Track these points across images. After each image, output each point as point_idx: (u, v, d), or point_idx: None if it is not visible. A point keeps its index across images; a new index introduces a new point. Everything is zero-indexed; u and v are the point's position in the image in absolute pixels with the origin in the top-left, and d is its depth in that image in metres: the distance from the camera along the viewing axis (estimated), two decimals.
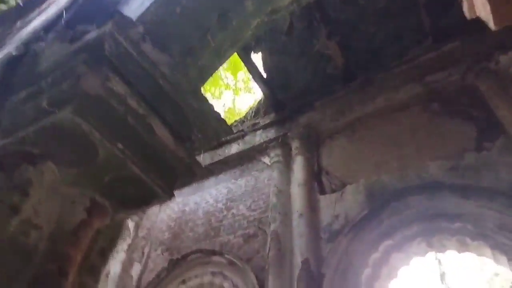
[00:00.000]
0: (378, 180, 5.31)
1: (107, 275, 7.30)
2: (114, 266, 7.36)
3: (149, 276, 6.80)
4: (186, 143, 2.04)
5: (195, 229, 7.06)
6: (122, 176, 1.75)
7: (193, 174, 2.05)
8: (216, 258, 6.13)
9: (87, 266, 2.44)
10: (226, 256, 5.99)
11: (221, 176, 7.80)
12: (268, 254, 5.38)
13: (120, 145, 1.63)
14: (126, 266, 7.24)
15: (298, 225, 5.38)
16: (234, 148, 7.76)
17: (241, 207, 6.73)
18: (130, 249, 7.55)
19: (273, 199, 6.11)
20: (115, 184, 1.77)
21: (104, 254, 2.54)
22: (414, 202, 4.76)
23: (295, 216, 5.55)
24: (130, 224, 8.12)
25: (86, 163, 1.64)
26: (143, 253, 7.40)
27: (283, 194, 6.08)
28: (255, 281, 5.26)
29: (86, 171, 1.70)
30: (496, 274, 15.57)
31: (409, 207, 4.77)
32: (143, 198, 1.93)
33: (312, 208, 5.55)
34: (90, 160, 1.63)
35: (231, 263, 5.86)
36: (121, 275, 7.13)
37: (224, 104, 11.03)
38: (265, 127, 7.41)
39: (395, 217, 4.77)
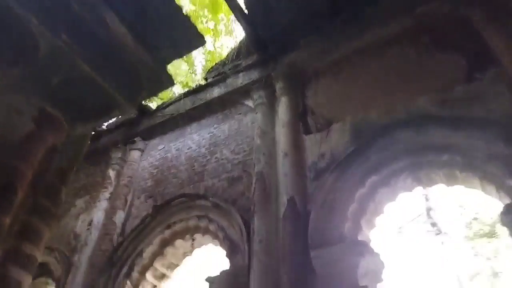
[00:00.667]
0: (365, 117, 5.14)
1: (89, 223, 7.18)
2: (97, 214, 7.23)
3: (133, 223, 6.70)
4: (152, 50, 1.76)
5: (178, 175, 6.89)
6: (72, 78, 1.48)
7: (160, 83, 1.78)
8: (200, 202, 6.03)
9: (42, 186, 2.27)
10: (210, 199, 5.88)
11: (203, 121, 7.53)
12: (253, 195, 5.28)
13: (64, 37, 1.34)
14: (109, 214, 7.11)
15: (283, 165, 5.24)
16: (216, 92, 7.43)
17: (224, 151, 6.54)
18: (112, 197, 7.39)
19: (257, 141, 5.93)
20: (66, 90, 1.50)
21: (63, 175, 2.36)
22: (401, 136, 4.64)
23: (280, 156, 5.40)
24: (111, 172, 7.90)
25: (27, 60, 1.36)
26: (126, 200, 7.25)
27: (268, 135, 5.89)
28: (240, 221, 5.19)
29: (29, 72, 1.42)
30: (475, 219, 16.23)
31: (397, 142, 4.65)
32: (102, 107, 1.68)
33: (297, 147, 5.40)
34: (31, 56, 1.34)
35: (216, 206, 5.76)
36: (104, 222, 7.02)
37: (205, 48, 10.51)
38: (247, 68, 7.06)
39: (382, 152, 4.66)
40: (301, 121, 5.76)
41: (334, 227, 4.32)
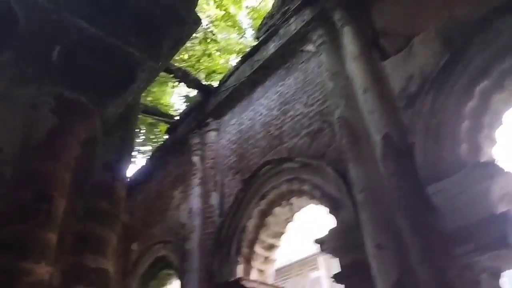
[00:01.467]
0: (452, 17, 4.22)
1: (189, 211, 7.36)
2: (194, 201, 7.37)
3: (228, 201, 6.67)
4: None
5: (257, 144, 6.63)
6: (78, 43, 1.15)
7: (182, 23, 1.37)
8: (287, 165, 5.70)
9: (90, 186, 2.10)
10: (296, 160, 5.51)
11: (267, 83, 7.09)
12: (340, 143, 4.77)
13: None
14: (204, 198, 7.19)
15: (366, 102, 4.60)
16: (271, 48, 6.91)
17: (297, 106, 6.06)
18: (203, 182, 7.45)
19: (330, 85, 5.33)
20: (74, 65, 1.18)
21: (112, 167, 2.15)
22: (504, 25, 3.69)
23: (359, 94, 4.75)
24: (195, 158, 7.95)
25: (12, 31, 1.05)
26: (215, 182, 7.25)
27: (339, 75, 5.25)
28: (334, 174, 4.75)
29: (23, 49, 1.12)
30: None
31: (500, 34, 3.71)
32: (124, 74, 1.33)
33: (377, 78, 4.69)
34: (14, 31, 1.03)
35: (304, 165, 5.38)
36: (202, 207, 7.12)
37: (249, 8, 9.95)
38: (297, 10, 6.37)
39: (484, 52, 3.77)
40: (373, 48, 4.99)
41: (448, 154, 3.65)
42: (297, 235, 10.60)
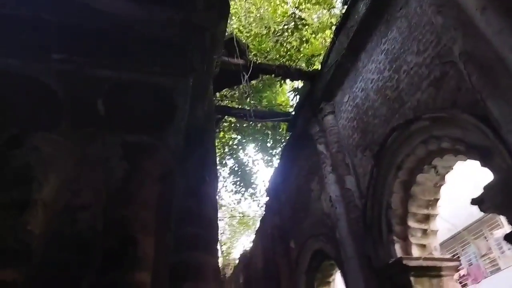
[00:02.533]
0: None
1: (330, 200, 7.18)
2: (331, 189, 7.18)
3: (364, 181, 6.27)
4: None
5: (377, 113, 6.08)
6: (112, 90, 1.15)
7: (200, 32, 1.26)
8: (415, 126, 5.03)
9: (177, 215, 2.08)
10: (424, 117, 4.82)
11: (368, 45, 6.48)
12: (471, 82, 3.96)
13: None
14: (340, 184, 6.93)
15: (488, 23, 3.71)
16: (361, 6, 6.31)
17: (409, 58, 5.33)
18: (334, 168, 7.21)
19: (439, 20, 4.52)
20: (119, 109, 1.20)
21: (196, 192, 2.11)
22: None
23: (477, 16, 3.88)
24: (320, 147, 7.78)
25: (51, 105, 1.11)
26: (346, 164, 6.92)
27: (446, 5, 4.40)
28: (474, 120, 3.96)
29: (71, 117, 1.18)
30: None
31: None
32: (162, 105, 1.29)
33: None
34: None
35: (435, 120, 4.67)
36: (341, 193, 6.87)
37: None
38: None
39: None
40: None
41: None
42: (461, 196, 9.33)
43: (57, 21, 1.44)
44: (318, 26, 9.51)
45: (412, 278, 4.93)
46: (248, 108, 9.51)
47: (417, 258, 5.11)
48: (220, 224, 22.20)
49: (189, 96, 1.71)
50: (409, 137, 5.20)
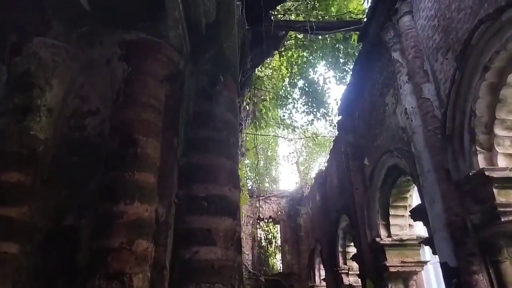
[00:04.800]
0: None
1: (405, 112, 6.61)
2: (407, 100, 6.58)
3: (445, 89, 5.57)
4: None
5: (462, 5, 5.14)
6: None
7: None
8: (508, 14, 4.15)
9: (190, 116, 1.91)
10: None
11: None
12: None
13: None
14: (417, 93, 6.27)
15: None
16: None
17: None
18: (411, 76, 6.49)
19: None
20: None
21: (208, 93, 1.89)
22: None
23: None
24: (395, 54, 7.06)
25: None
26: (425, 72, 6.18)
27: None
28: None
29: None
30: None
31: None
32: None
33: None
34: None
35: None
36: (418, 104, 6.25)
37: None
38: None
39: None
40: None
41: None
42: None
43: None
44: None
45: (495, 190, 4.45)
46: (314, 21, 8.80)
47: (503, 169, 4.55)
48: (297, 146, 22.51)
49: None
50: (500, 29, 4.34)
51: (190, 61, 1.94)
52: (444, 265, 5.23)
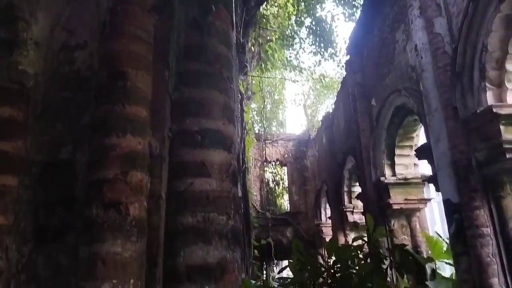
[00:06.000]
0: None
1: (415, 49, 6.35)
2: (417, 36, 6.29)
3: (457, 22, 5.28)
4: None
5: None
6: None
7: None
8: None
9: (181, 48, 1.82)
10: None
11: None
12: None
13: None
14: (429, 28, 5.96)
15: None
16: None
17: None
18: (423, 10, 6.14)
19: None
20: None
21: (199, 23, 1.77)
22: None
23: None
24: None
25: None
26: (437, 4, 5.83)
27: None
28: None
29: None
30: None
31: None
32: None
33: None
34: None
35: None
36: (428, 40, 5.97)
37: None
38: None
39: None
40: None
41: None
42: None
43: None
44: None
45: (502, 127, 4.38)
46: None
47: (511, 105, 4.44)
48: (304, 88, 22.18)
49: None
50: None
51: None
52: (446, 202, 5.32)
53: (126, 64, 1.53)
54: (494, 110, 4.45)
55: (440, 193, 5.64)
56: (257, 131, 18.27)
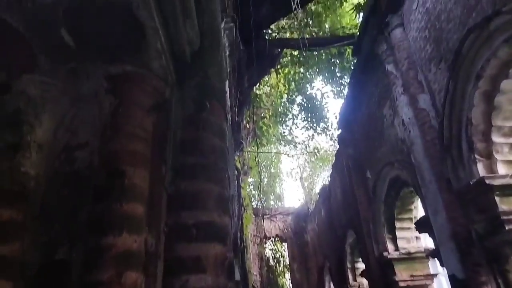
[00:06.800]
0: None
1: (403, 123, 6.61)
2: (404, 111, 6.58)
3: (440, 98, 5.58)
4: None
5: (451, 15, 5.19)
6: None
7: None
8: (496, 23, 4.19)
9: (178, 143, 1.93)
10: (505, 9, 3.96)
11: None
12: None
13: None
14: (413, 104, 6.27)
15: None
16: None
17: None
18: (406, 88, 6.51)
19: None
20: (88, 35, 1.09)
21: (194, 119, 1.90)
22: None
23: None
24: (389, 66, 7.09)
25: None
26: (419, 82, 6.21)
27: None
28: None
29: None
30: None
31: None
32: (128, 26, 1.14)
33: None
34: None
35: None
36: (414, 114, 6.24)
37: None
38: None
39: None
40: None
41: None
42: None
43: None
44: None
45: (497, 198, 4.39)
46: (308, 37, 8.92)
47: (503, 176, 4.50)
48: (299, 161, 22.46)
49: (154, 9, 1.53)
50: (489, 38, 4.37)
51: (176, 89, 1.97)
52: (452, 278, 5.13)
53: (125, 162, 1.59)
54: (487, 181, 4.50)
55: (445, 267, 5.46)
56: (254, 206, 18.06)
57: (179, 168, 1.99)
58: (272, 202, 21.56)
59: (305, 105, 13.41)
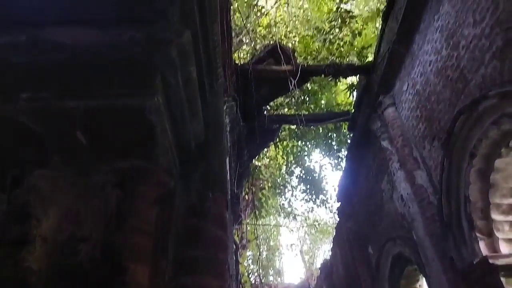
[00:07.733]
0: None
1: (402, 199, 6.63)
2: (402, 187, 6.64)
3: (436, 175, 5.67)
4: None
5: (441, 97, 5.49)
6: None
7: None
8: (483, 105, 4.43)
9: (179, 235, 1.95)
10: (491, 93, 4.22)
11: (422, 26, 5.95)
12: None
13: None
14: (411, 180, 6.35)
15: None
16: None
17: (466, 31, 4.74)
18: (402, 164, 6.64)
19: None
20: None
21: (197, 211, 1.97)
22: None
23: None
24: (384, 143, 7.31)
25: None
26: (414, 159, 6.35)
27: None
28: None
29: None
30: None
31: None
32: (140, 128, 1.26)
33: None
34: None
35: (504, 96, 4.06)
36: (413, 191, 6.29)
37: None
38: None
39: None
40: None
41: None
42: None
43: (24, 62, 1.52)
44: (368, 16, 8.99)
45: (503, 279, 4.27)
46: (306, 113, 9.30)
47: (507, 256, 4.42)
48: (299, 234, 21.93)
49: (164, 112, 1.67)
50: (479, 119, 4.59)
51: (180, 179, 2.05)
52: None
53: (128, 258, 1.60)
54: (490, 261, 4.41)
55: None
56: (253, 282, 17.23)
57: (180, 261, 1.99)
58: (271, 278, 20.62)
59: (304, 176, 13.52)
